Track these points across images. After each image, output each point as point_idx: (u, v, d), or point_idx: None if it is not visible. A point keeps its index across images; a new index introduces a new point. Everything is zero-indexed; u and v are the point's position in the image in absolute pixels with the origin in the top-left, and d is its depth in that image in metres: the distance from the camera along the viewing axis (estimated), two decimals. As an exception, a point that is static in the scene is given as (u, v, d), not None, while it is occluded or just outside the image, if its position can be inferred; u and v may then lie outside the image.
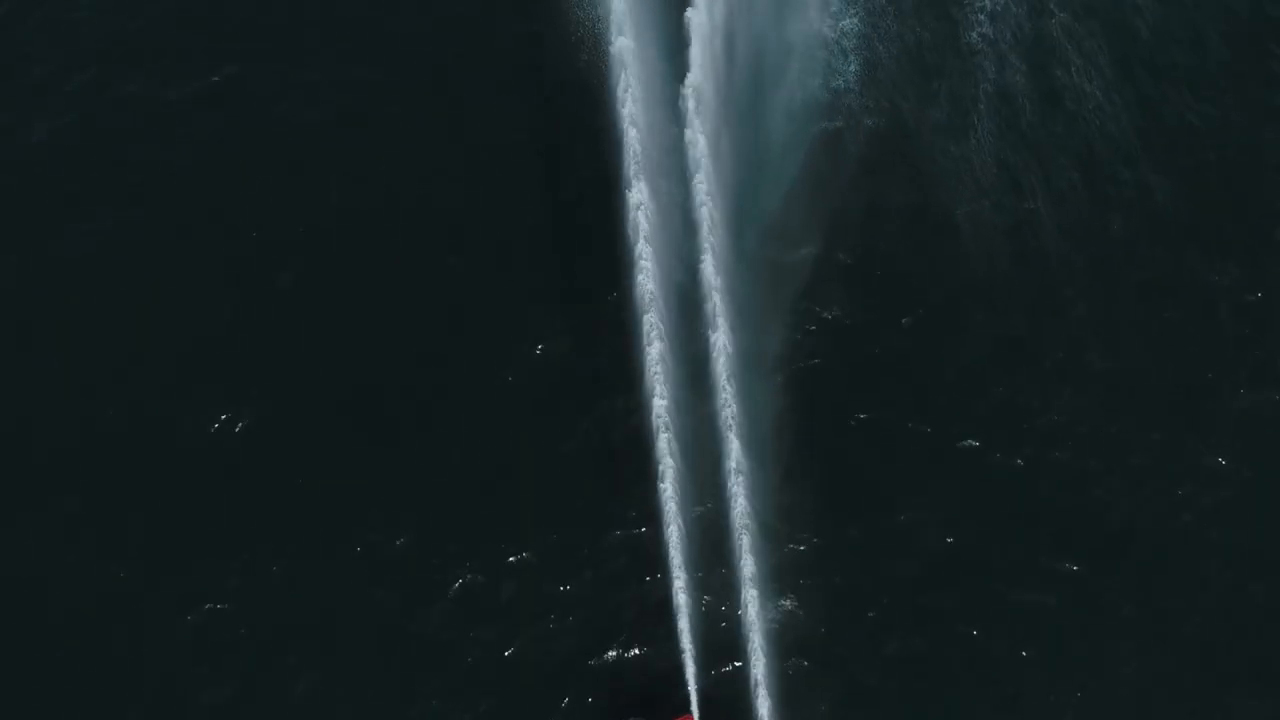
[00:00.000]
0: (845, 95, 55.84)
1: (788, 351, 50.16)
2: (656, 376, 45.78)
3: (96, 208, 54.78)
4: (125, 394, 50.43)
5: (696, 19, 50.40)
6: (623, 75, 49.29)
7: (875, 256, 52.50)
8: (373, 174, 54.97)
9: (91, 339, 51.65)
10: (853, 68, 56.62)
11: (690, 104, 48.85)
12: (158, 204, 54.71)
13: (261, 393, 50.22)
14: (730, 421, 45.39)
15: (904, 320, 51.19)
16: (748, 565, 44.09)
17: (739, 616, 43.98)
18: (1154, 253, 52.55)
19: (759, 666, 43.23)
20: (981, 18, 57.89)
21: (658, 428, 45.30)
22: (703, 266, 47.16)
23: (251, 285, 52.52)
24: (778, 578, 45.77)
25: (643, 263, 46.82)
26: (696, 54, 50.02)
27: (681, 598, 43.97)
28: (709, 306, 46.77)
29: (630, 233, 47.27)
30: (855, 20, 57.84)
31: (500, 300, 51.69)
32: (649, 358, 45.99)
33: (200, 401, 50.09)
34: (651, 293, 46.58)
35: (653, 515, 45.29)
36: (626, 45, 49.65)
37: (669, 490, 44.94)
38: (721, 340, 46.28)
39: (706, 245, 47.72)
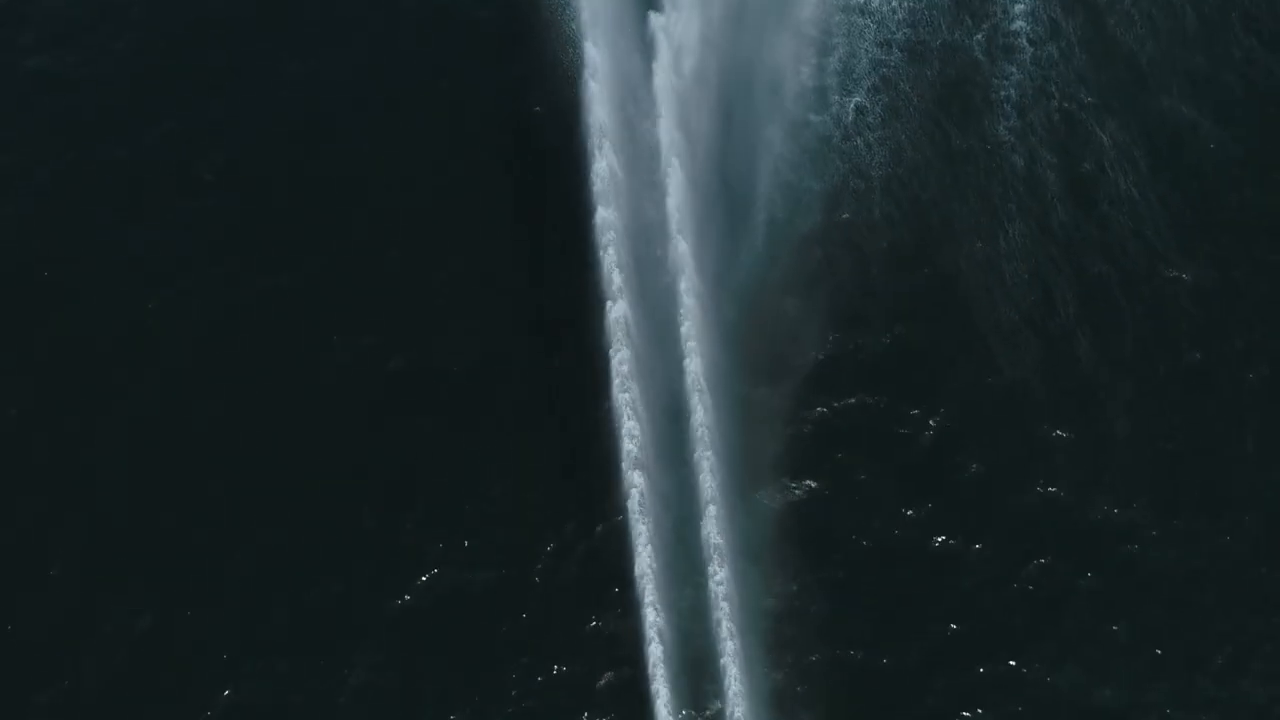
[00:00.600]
0: (862, 185, 53.14)
1: (788, 465, 47.52)
2: (636, 501, 43.91)
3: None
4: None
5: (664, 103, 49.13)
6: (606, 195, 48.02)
7: (891, 362, 49.79)
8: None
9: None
10: (872, 156, 53.85)
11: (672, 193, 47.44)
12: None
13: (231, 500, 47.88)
14: (719, 551, 43.29)
15: (925, 432, 48.46)
16: (743, 702, 41.80)
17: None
18: (1190, 357, 50.06)
19: None
20: (1008, 108, 55.05)
21: (641, 567, 43.32)
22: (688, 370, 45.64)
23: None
24: (779, 710, 43.36)
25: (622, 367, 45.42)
26: (672, 126, 48.98)
27: None
28: (694, 406, 45.14)
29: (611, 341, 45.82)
30: (877, 106, 55.02)
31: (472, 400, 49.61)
32: (628, 484, 44.26)
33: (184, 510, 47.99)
34: (632, 404, 44.77)
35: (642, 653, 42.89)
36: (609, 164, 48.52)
37: (654, 635, 42.73)
38: (709, 459, 44.53)
39: (693, 348, 46.05)
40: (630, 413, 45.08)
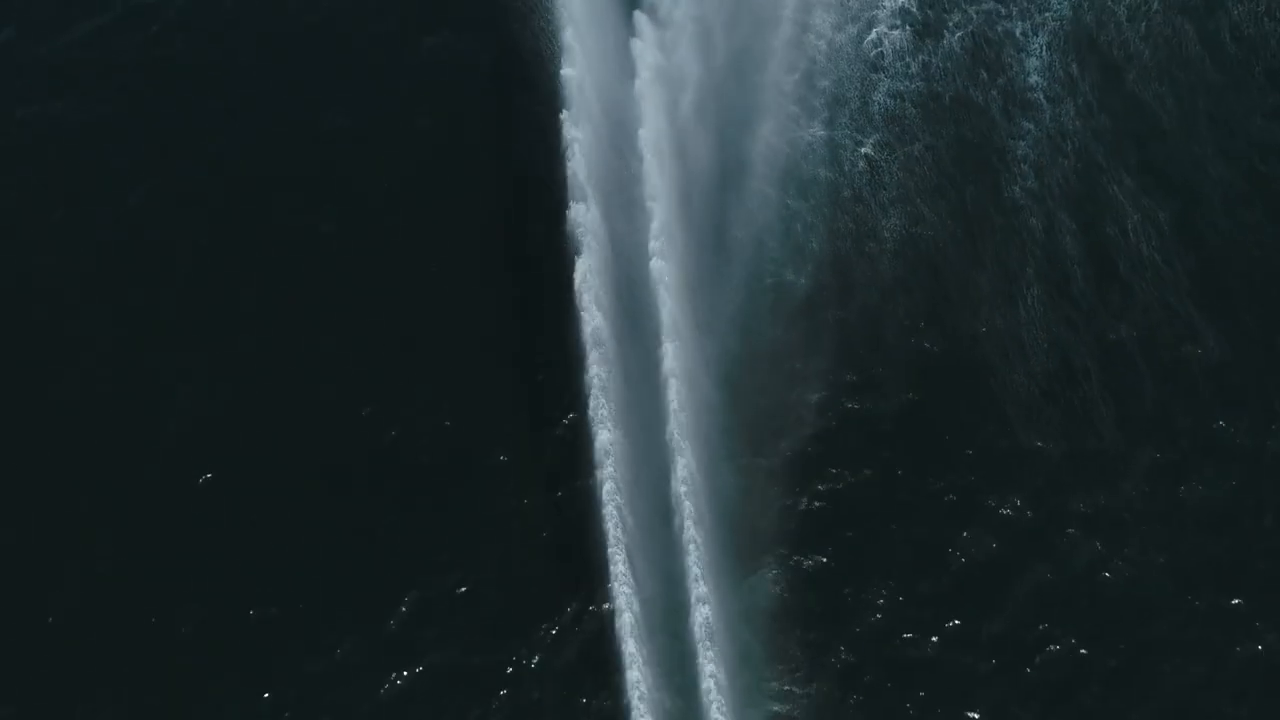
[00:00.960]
0: (874, 246, 51.68)
1: (791, 539, 46.09)
2: (625, 581, 42.81)
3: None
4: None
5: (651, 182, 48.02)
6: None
7: (903, 430, 48.30)
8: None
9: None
10: (885, 217, 52.32)
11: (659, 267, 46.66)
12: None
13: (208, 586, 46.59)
14: (715, 633, 42.00)
15: (938, 505, 46.88)
16: None
17: None
18: (1212, 425, 48.42)
19: None
20: (1025, 168, 53.55)
21: (630, 649, 42.08)
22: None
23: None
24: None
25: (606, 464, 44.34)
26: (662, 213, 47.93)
27: None
28: (682, 470, 43.81)
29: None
30: (892, 164, 53.48)
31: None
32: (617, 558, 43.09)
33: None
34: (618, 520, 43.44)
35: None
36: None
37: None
38: (703, 531, 43.28)
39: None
40: (617, 487, 43.85)
